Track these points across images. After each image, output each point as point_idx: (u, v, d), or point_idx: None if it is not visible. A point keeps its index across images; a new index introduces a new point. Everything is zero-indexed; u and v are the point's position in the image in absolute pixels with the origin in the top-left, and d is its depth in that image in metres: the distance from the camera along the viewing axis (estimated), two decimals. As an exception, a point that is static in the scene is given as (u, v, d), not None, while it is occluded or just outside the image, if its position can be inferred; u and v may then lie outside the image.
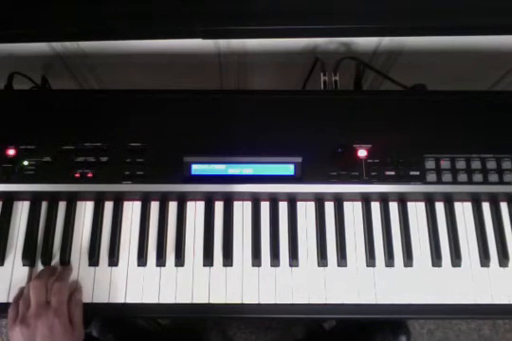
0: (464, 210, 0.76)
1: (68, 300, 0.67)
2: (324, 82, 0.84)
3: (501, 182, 0.73)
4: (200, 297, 0.70)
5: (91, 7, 0.72)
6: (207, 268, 0.72)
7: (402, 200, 0.76)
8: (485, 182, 0.73)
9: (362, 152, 0.74)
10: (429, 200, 0.76)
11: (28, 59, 0.89)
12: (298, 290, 0.71)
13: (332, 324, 1.18)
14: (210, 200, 0.75)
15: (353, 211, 0.75)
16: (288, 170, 0.73)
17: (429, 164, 0.73)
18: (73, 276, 0.71)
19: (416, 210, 0.76)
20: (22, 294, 0.67)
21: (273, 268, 0.72)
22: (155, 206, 0.75)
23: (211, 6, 0.72)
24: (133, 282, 0.71)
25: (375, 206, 0.76)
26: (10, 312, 0.65)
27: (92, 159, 0.73)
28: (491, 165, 0.73)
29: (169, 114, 0.76)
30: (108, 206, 0.75)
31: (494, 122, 0.76)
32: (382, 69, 0.93)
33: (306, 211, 0.75)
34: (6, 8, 0.72)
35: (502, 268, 0.72)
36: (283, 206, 0.75)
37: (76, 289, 0.69)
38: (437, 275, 0.72)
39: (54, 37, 0.79)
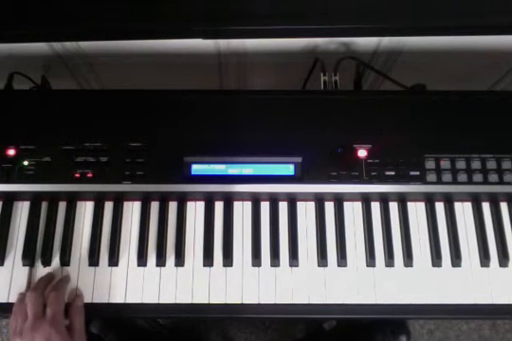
0: (464, 210, 0.76)
1: (69, 307, 0.67)
2: (324, 82, 0.84)
3: (501, 182, 0.73)
4: (200, 297, 0.70)
5: (91, 7, 0.72)
6: (207, 268, 0.72)
7: (402, 200, 0.76)
8: (485, 182, 0.73)
9: (362, 152, 0.74)
10: (429, 200, 0.76)
11: (28, 59, 0.89)
12: (298, 290, 0.71)
13: (332, 324, 1.17)
14: (210, 200, 0.75)
15: (353, 211, 0.75)
16: (288, 170, 0.73)
17: (429, 164, 0.73)
18: (73, 276, 0.71)
19: (416, 210, 0.76)
20: (21, 302, 0.67)
21: (273, 268, 0.72)
22: (154, 206, 0.75)
23: (211, 6, 0.72)
24: (133, 282, 0.71)
25: (375, 206, 0.76)
26: (11, 323, 0.65)
27: (92, 159, 0.73)
28: (491, 165, 0.73)
29: (169, 114, 0.76)
30: (108, 206, 0.75)
31: (494, 122, 0.76)
32: (382, 69, 0.93)
33: (306, 211, 0.75)
34: (6, 9, 0.72)
35: (502, 268, 0.72)
36: (282, 206, 0.75)
37: (77, 296, 0.69)
38: (437, 275, 0.72)
39: (54, 37, 0.79)
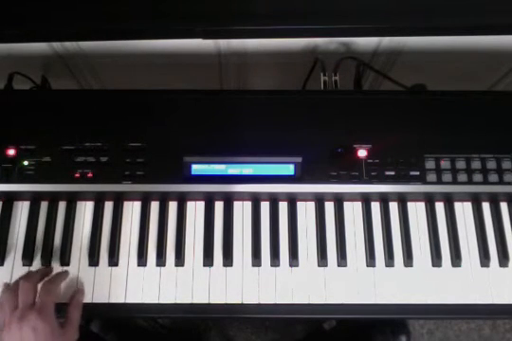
0: (464, 210, 0.76)
1: (69, 300, 0.67)
2: (324, 82, 0.84)
3: (501, 182, 0.73)
4: (200, 297, 0.70)
5: (91, 6, 0.72)
6: (207, 268, 0.72)
7: (402, 200, 0.76)
8: (485, 182, 0.73)
9: (362, 152, 0.74)
10: (429, 200, 0.76)
11: (28, 59, 0.89)
12: (298, 290, 0.71)
13: (332, 324, 1.17)
14: (210, 200, 0.75)
15: (353, 211, 0.75)
16: (288, 170, 0.73)
17: (429, 164, 0.73)
18: (73, 276, 0.71)
19: (416, 210, 0.76)
20: (8, 291, 0.65)
21: (273, 268, 0.72)
22: (155, 206, 0.75)
23: (211, 6, 0.72)
24: (133, 282, 0.71)
25: (375, 206, 0.76)
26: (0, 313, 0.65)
27: (92, 159, 0.73)
28: (491, 165, 0.73)
29: (169, 114, 0.76)
30: (108, 206, 0.75)
31: (494, 122, 0.76)
32: (382, 69, 0.93)
33: (306, 211, 0.75)
34: (6, 8, 0.72)
35: (502, 268, 0.72)
36: (282, 206, 0.75)
37: (78, 291, 0.69)
38: (437, 275, 0.72)
39: (54, 37, 0.79)
